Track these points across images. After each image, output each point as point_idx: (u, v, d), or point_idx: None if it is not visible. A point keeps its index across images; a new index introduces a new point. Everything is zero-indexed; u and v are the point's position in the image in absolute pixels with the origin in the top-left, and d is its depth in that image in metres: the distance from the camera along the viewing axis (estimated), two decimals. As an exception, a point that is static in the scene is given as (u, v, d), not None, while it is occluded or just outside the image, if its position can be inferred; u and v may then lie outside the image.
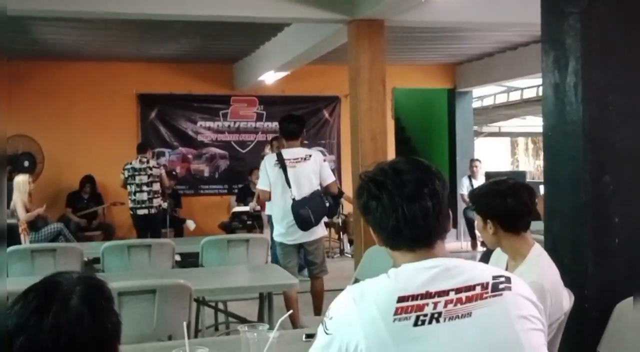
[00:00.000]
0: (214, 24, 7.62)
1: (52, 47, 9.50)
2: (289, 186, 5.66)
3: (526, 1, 5.94)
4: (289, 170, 5.68)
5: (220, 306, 5.46)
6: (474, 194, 2.82)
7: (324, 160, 5.98)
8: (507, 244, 2.70)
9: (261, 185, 5.97)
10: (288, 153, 5.79)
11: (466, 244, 11.24)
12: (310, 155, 5.82)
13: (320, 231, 5.85)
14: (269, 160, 5.86)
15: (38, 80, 10.52)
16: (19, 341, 1.25)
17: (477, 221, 2.76)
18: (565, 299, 2.59)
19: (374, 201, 1.76)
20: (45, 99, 10.56)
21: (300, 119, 6.20)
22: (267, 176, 5.81)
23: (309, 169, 5.76)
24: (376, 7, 5.93)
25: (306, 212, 5.58)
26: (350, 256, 9.56)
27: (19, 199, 7.86)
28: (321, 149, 11.23)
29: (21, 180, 8.05)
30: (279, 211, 5.78)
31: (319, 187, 5.79)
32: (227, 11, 6.29)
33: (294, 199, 5.62)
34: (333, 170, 7.41)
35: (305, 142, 6.36)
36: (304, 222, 5.60)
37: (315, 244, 5.84)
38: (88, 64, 10.66)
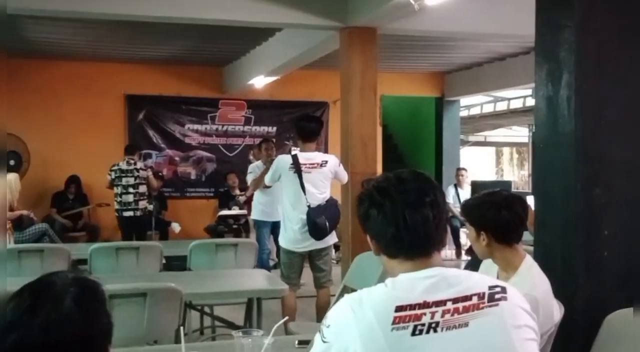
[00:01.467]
0: (205, 27, 7.61)
1: (41, 46, 9.45)
2: (304, 192, 5.40)
3: (517, 13, 6.01)
4: (304, 175, 5.41)
5: (206, 309, 5.45)
6: (467, 204, 2.83)
7: (340, 165, 5.68)
8: (500, 256, 2.72)
9: (267, 179, 5.78)
10: (304, 157, 5.49)
11: (450, 253, 11.26)
12: (326, 161, 5.54)
13: (331, 239, 5.60)
14: (283, 162, 5.56)
15: (26, 78, 10.44)
16: (11, 338, 1.27)
17: (470, 232, 2.76)
18: (556, 310, 2.61)
19: (375, 208, 1.78)
20: (33, 97, 10.50)
21: (318, 119, 5.96)
22: (276, 175, 5.57)
23: (324, 175, 5.52)
24: (369, 15, 5.95)
25: (323, 221, 5.35)
26: (335, 261, 9.55)
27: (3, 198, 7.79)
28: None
29: (12, 178, 7.98)
30: (290, 217, 5.52)
31: (329, 195, 5.57)
32: (219, 14, 6.27)
33: (309, 207, 5.39)
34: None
35: (320, 147, 6.13)
36: (319, 231, 5.37)
37: (326, 251, 5.60)
38: (77, 64, 10.62)
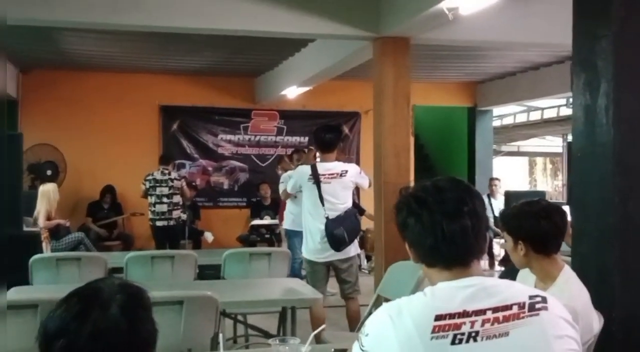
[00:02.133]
0: (238, 38, 7.66)
1: (76, 57, 9.61)
2: (322, 203, 5.40)
3: (551, 22, 5.99)
4: (322, 186, 5.40)
5: (240, 318, 5.47)
6: (505, 214, 2.81)
7: (361, 173, 5.69)
8: (538, 266, 2.68)
9: (289, 188, 5.85)
10: (323, 167, 5.48)
11: (484, 263, 11.18)
12: (346, 171, 5.50)
13: (353, 249, 5.55)
14: (302, 173, 5.60)
15: (62, 89, 10.64)
16: (59, 343, 1.30)
17: (507, 241, 2.74)
18: (595, 322, 2.58)
19: (413, 217, 1.78)
20: (69, 108, 10.68)
21: (337, 129, 5.91)
22: (297, 185, 5.62)
23: (344, 185, 5.50)
24: (402, 25, 5.95)
25: (341, 232, 5.34)
26: (367, 271, 9.54)
27: (43, 207, 7.92)
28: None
29: (51, 188, 8.11)
30: (310, 227, 5.51)
31: (351, 205, 5.57)
32: (251, 26, 6.30)
33: (327, 218, 5.38)
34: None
35: (350, 157, 6.08)
36: (338, 242, 5.36)
37: (349, 263, 5.54)
38: (112, 75, 10.77)
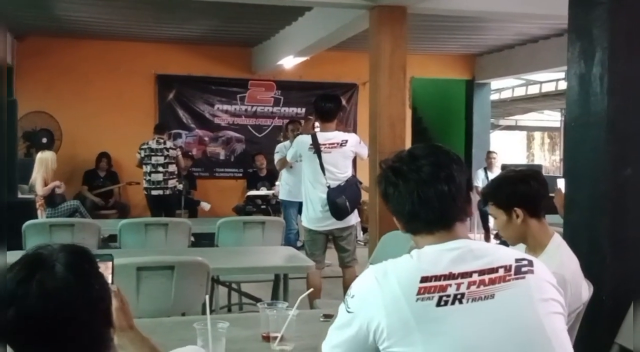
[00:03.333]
0: (232, 6, 7.59)
1: (71, 25, 9.52)
2: (323, 173, 5.42)
3: (550, -8, 5.93)
4: (323, 155, 5.43)
5: (234, 286, 5.49)
6: (492, 187, 2.75)
7: (360, 142, 5.74)
8: (531, 233, 2.65)
9: (288, 156, 5.89)
10: (323, 137, 5.51)
11: (479, 237, 11.22)
12: (346, 141, 5.56)
13: (353, 218, 5.62)
14: (302, 142, 5.61)
15: (57, 57, 10.56)
16: (11, 312, 1.27)
17: (499, 216, 2.68)
18: (585, 290, 2.58)
19: (391, 187, 1.80)
20: (64, 76, 10.61)
21: (336, 98, 5.92)
22: (297, 154, 5.65)
23: (345, 154, 5.54)
24: (399, -6, 5.91)
25: (343, 201, 5.37)
26: (363, 243, 9.56)
27: (39, 175, 7.89)
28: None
29: (49, 157, 8.06)
30: (311, 196, 5.55)
31: (351, 174, 5.61)
32: (246, -8, 6.25)
33: (329, 187, 5.40)
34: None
35: (348, 129, 6.11)
36: (340, 211, 5.39)
37: (348, 231, 5.61)
38: (107, 43, 10.68)
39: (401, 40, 6.30)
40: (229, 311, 5.78)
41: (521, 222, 2.64)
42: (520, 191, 2.65)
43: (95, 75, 10.77)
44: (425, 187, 1.74)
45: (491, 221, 11.06)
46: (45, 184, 7.95)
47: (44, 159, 8.05)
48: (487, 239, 10.97)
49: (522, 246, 2.76)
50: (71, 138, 10.71)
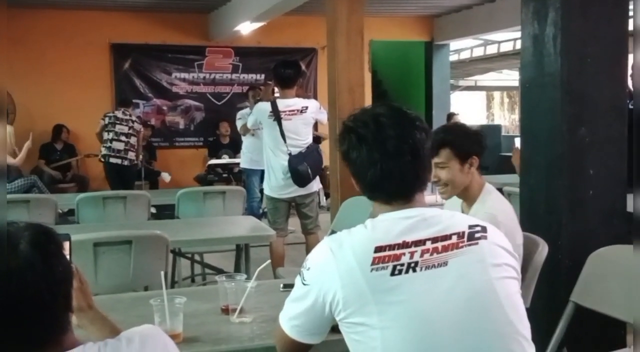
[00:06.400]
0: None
1: (22, -5, 9.27)
2: (284, 140, 5.41)
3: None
4: (284, 123, 5.40)
5: (197, 258, 5.47)
6: (454, 134, 2.72)
7: (320, 108, 5.73)
8: (471, 184, 2.74)
9: (249, 124, 5.90)
10: (283, 104, 5.47)
11: (435, 197, 11.29)
12: (306, 107, 5.55)
13: (315, 185, 5.64)
14: (262, 110, 5.56)
15: (10, 28, 10.20)
16: None
17: (452, 164, 2.67)
18: (519, 235, 2.61)
19: (354, 151, 1.77)
20: (16, 47, 10.30)
21: (296, 64, 5.88)
22: (257, 122, 5.64)
23: (305, 121, 5.53)
24: (354, -44, 5.82)
25: (304, 168, 5.37)
26: (326, 209, 9.58)
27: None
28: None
29: (8, 131, 7.90)
30: (272, 164, 5.53)
31: (311, 141, 5.61)
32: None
33: (290, 154, 5.39)
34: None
35: (309, 94, 6.09)
36: (301, 178, 5.39)
37: (311, 197, 5.62)
38: (61, 12, 10.43)
39: (358, 4, 6.23)
40: (193, 281, 5.77)
41: (475, 170, 2.71)
42: (480, 142, 2.74)
43: (49, 46, 10.52)
44: (390, 160, 1.72)
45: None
46: (14, 156, 7.80)
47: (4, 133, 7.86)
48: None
49: (454, 199, 2.81)
50: (26, 111, 10.46)
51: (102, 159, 8.87)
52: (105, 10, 10.54)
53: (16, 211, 4.69)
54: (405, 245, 1.63)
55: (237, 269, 4.35)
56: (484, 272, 1.66)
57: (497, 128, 10.78)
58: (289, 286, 2.54)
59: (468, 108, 20.65)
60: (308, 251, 5.51)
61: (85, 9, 10.40)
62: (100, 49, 10.87)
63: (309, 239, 5.67)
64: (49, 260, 1.28)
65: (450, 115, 11.51)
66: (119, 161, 8.78)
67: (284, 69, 5.55)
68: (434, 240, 1.65)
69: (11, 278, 1.23)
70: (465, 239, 1.68)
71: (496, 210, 2.57)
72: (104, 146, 8.85)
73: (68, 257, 1.70)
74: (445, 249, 1.65)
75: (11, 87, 10.31)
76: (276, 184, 5.53)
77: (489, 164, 9.21)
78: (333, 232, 4.28)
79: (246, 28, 9.96)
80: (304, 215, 5.66)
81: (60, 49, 10.57)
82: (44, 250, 1.29)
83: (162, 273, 2.15)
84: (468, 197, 2.76)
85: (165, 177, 10.22)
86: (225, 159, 10.21)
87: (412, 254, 1.63)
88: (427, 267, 1.63)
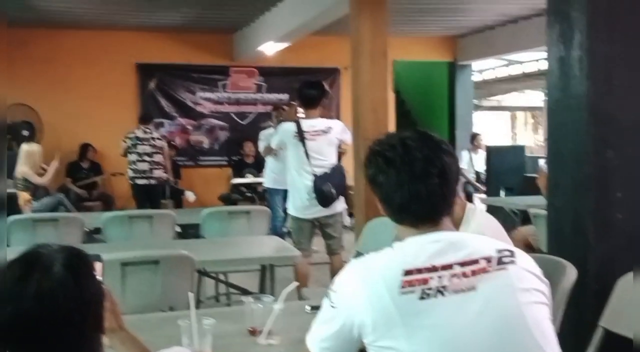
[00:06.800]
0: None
1: (51, 15, 9.43)
2: (308, 160, 5.43)
3: (530, -27, 5.92)
4: (307, 143, 5.42)
5: (221, 277, 5.49)
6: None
7: (344, 129, 5.72)
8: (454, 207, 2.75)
9: (273, 144, 5.87)
10: (307, 124, 5.48)
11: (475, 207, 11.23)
12: (330, 128, 5.54)
13: (339, 205, 5.63)
14: (286, 130, 5.59)
15: (37, 48, 10.44)
16: (7, 310, 1.26)
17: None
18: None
19: (381, 175, 1.77)
20: (44, 67, 10.50)
21: (320, 85, 5.90)
22: (282, 142, 5.64)
23: (330, 141, 5.53)
24: (379, -22, 5.87)
25: (328, 188, 5.37)
26: (350, 228, 9.56)
27: (26, 167, 7.80)
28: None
29: (37, 150, 7.96)
30: (297, 184, 5.54)
31: (336, 161, 5.60)
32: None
33: (314, 175, 5.40)
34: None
35: (332, 114, 6.09)
36: (326, 198, 5.40)
37: (334, 218, 5.60)
38: (87, 33, 10.59)
39: (382, 25, 6.27)
40: (217, 301, 5.78)
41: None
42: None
43: (76, 66, 10.69)
44: (418, 182, 1.72)
45: (476, 202, 11.11)
46: (38, 174, 7.87)
47: (32, 152, 7.93)
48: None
49: None
50: (53, 130, 10.62)
51: (130, 182, 8.97)
52: (131, 31, 10.69)
53: (44, 230, 4.75)
54: (433, 269, 1.64)
55: (262, 289, 4.36)
56: (512, 297, 1.66)
57: (521, 149, 10.69)
58: (315, 308, 2.54)
59: (491, 128, 20.57)
60: (332, 271, 5.54)
61: (111, 30, 10.56)
62: (126, 68, 11.02)
63: (333, 260, 5.66)
64: (80, 282, 1.31)
65: (474, 136, 11.48)
66: (146, 182, 8.87)
67: (309, 89, 5.59)
68: (462, 264, 1.65)
69: (44, 299, 1.26)
70: (494, 263, 1.68)
71: (482, 226, 2.58)
72: (129, 168, 8.95)
73: (100, 278, 1.73)
74: (474, 273, 1.65)
75: (38, 106, 10.51)
76: (300, 204, 5.53)
77: (513, 185, 9.15)
78: (358, 253, 4.31)
79: (270, 48, 10.05)
80: (328, 235, 5.65)
81: (87, 68, 10.73)
82: (76, 272, 1.32)
83: (191, 294, 2.16)
84: (452, 220, 2.72)
85: (190, 196, 10.28)
86: (249, 179, 10.26)
87: (440, 278, 1.63)
88: (456, 292, 1.63)
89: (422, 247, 1.69)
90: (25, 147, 8.03)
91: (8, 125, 10.17)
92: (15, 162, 7.99)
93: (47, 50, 10.50)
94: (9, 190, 7.63)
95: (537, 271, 1.76)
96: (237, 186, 10.17)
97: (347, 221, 10.13)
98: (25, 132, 10.30)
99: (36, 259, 1.32)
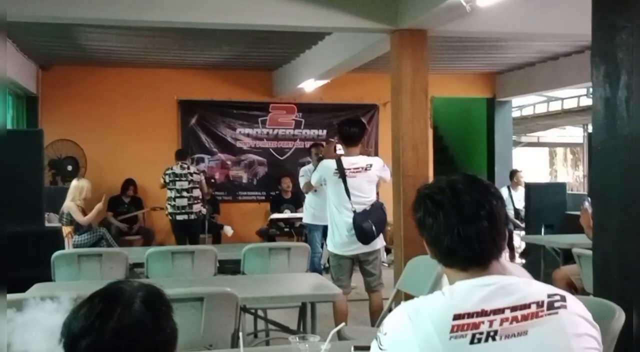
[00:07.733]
0: (256, 32, 7.67)
1: (95, 53, 9.67)
2: (349, 197, 5.44)
3: (570, 12, 5.93)
4: (348, 180, 5.44)
5: (260, 313, 5.49)
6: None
7: (384, 166, 5.72)
8: None
9: (313, 181, 5.91)
10: (348, 161, 5.51)
11: (504, 256, 11.11)
12: (371, 165, 5.56)
13: (379, 242, 5.61)
14: (327, 167, 5.62)
15: (81, 85, 10.70)
16: (84, 342, 1.30)
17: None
18: None
19: (430, 218, 1.78)
20: (88, 104, 10.74)
21: (360, 122, 5.96)
22: (322, 179, 5.65)
23: (370, 179, 5.54)
24: (420, 17, 5.92)
25: (369, 225, 5.37)
26: (386, 264, 9.53)
27: (73, 204, 7.94)
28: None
29: (86, 186, 8.09)
30: (337, 221, 5.55)
31: (375, 198, 5.61)
32: (270, 20, 6.29)
33: (354, 212, 5.41)
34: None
35: (369, 150, 6.09)
36: (366, 235, 5.40)
37: (374, 255, 5.60)
38: (130, 70, 10.83)
39: (422, 63, 6.32)
40: (256, 337, 5.78)
41: None
42: None
43: (119, 102, 10.91)
44: (467, 225, 1.72)
45: (516, 240, 10.99)
46: (84, 213, 7.99)
47: (81, 187, 8.04)
48: (512, 258, 10.88)
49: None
50: (96, 165, 10.82)
51: (170, 217, 9.07)
52: (173, 68, 10.90)
53: (89, 264, 4.82)
54: (484, 313, 1.63)
55: (302, 326, 4.36)
56: (565, 343, 1.65)
57: (562, 186, 10.54)
58: (360, 349, 2.55)
59: (530, 164, 20.38)
60: (372, 309, 5.51)
61: (154, 67, 10.77)
62: (168, 104, 11.22)
63: (372, 297, 5.62)
64: (159, 320, 1.35)
65: (514, 172, 11.40)
66: (185, 217, 8.98)
67: (349, 127, 5.63)
68: (513, 309, 1.65)
69: (122, 334, 1.30)
70: (545, 308, 1.66)
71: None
72: (168, 204, 9.08)
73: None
74: (525, 318, 1.64)
75: (82, 141, 10.73)
76: (340, 240, 5.54)
77: (554, 223, 9.03)
78: (398, 291, 4.29)
79: (310, 85, 10.15)
80: (367, 272, 5.63)
81: (129, 105, 10.94)
82: (155, 310, 1.36)
83: (240, 334, 2.18)
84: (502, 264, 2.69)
85: (228, 230, 10.34)
86: (287, 214, 10.30)
87: (491, 322, 1.62)
88: (507, 337, 1.62)
89: (472, 291, 1.68)
90: (74, 183, 8.19)
91: (53, 160, 10.41)
92: (59, 196, 8.15)
93: (91, 87, 10.76)
94: (54, 224, 7.78)
95: (588, 315, 1.74)
96: (275, 221, 10.21)
97: (385, 257, 10.11)
98: (69, 168, 10.51)
99: (118, 294, 1.36)
